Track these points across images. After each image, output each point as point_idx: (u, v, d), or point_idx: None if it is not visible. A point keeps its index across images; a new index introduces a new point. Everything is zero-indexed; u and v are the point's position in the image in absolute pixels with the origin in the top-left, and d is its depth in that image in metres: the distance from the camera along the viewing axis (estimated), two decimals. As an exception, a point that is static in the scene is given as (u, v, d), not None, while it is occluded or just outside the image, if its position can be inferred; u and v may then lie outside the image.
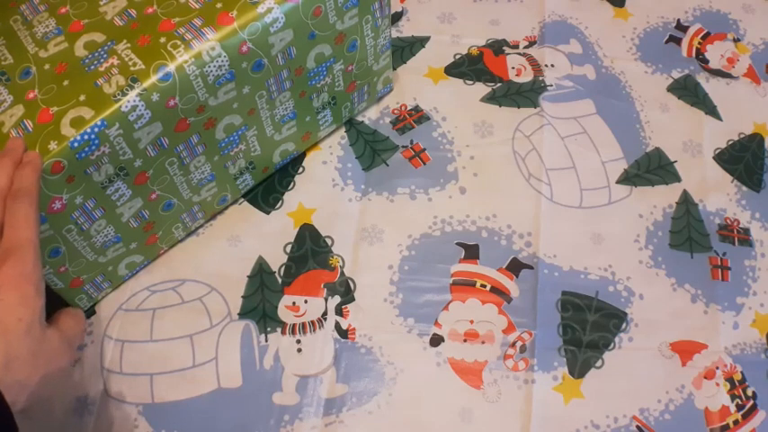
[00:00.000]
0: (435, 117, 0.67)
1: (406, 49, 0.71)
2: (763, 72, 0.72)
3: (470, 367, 0.56)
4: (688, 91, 0.70)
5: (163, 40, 0.47)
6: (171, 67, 0.46)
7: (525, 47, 0.72)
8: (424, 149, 0.66)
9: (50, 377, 0.43)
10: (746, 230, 0.63)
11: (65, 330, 0.45)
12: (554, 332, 0.58)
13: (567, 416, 0.55)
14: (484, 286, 0.59)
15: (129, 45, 0.47)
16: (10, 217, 0.42)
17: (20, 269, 0.41)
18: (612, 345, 0.58)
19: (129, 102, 0.45)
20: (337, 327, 0.57)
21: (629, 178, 0.65)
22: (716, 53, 0.73)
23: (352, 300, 0.59)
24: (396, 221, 0.62)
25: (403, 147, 0.66)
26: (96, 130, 0.44)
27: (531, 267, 0.60)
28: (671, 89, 0.70)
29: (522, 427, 0.54)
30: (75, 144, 0.44)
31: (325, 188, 0.64)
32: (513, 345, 0.57)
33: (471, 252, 0.61)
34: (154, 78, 0.45)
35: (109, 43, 0.47)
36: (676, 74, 0.71)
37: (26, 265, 0.41)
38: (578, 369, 0.57)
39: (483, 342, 0.57)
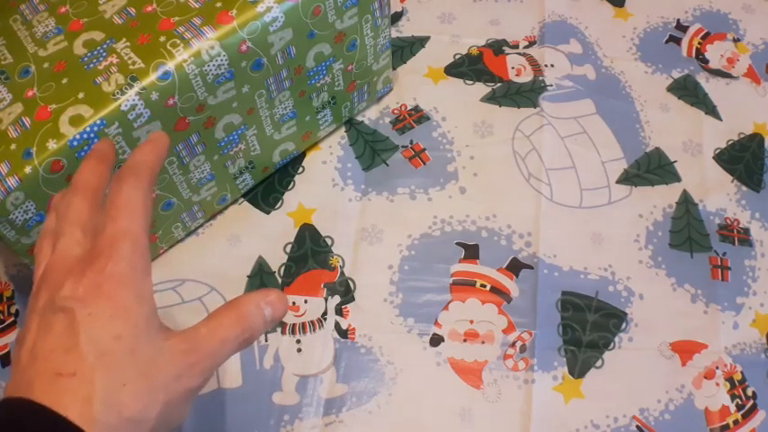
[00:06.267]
0: (435, 117, 0.67)
1: (406, 49, 0.71)
2: (763, 72, 0.72)
3: (470, 367, 0.56)
4: (688, 91, 0.70)
5: (162, 38, 0.47)
6: (170, 66, 0.46)
7: (525, 47, 0.72)
8: (424, 149, 0.65)
9: (177, 403, 0.33)
10: (746, 230, 0.63)
11: (205, 334, 0.34)
12: (554, 332, 0.58)
13: (566, 416, 0.55)
14: (484, 286, 0.59)
15: (128, 44, 0.47)
16: (108, 204, 0.35)
17: (110, 270, 0.32)
18: (612, 345, 0.57)
19: (128, 100, 0.45)
20: (337, 327, 0.57)
21: (629, 178, 0.65)
22: (716, 53, 0.73)
23: (352, 300, 0.59)
24: (396, 221, 0.62)
25: (403, 147, 0.66)
26: (96, 128, 0.44)
27: (531, 267, 0.60)
28: (671, 89, 0.70)
29: (521, 427, 0.54)
30: (75, 143, 0.44)
31: (325, 188, 0.63)
32: (513, 345, 0.57)
33: (471, 252, 0.61)
34: (153, 77, 0.45)
35: (108, 41, 0.47)
36: (676, 74, 0.71)
37: (118, 263, 0.32)
38: (578, 369, 0.56)
39: (483, 342, 0.57)
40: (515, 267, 0.60)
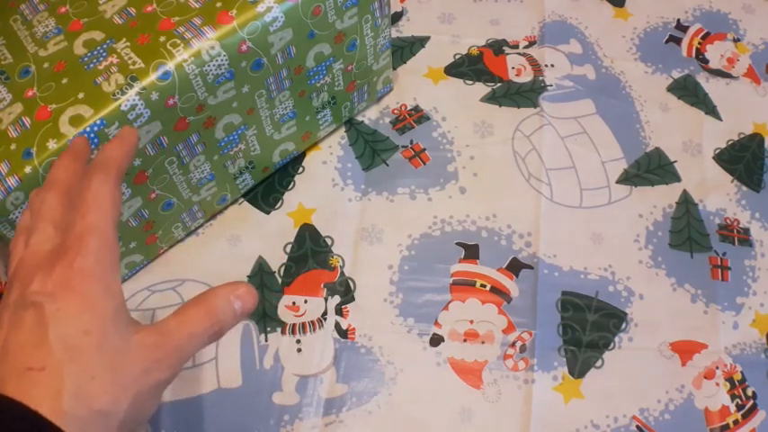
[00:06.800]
0: (435, 117, 0.67)
1: (406, 49, 0.71)
2: (763, 72, 0.72)
3: (470, 367, 0.56)
4: (688, 91, 0.70)
5: (162, 38, 0.47)
6: (170, 66, 0.46)
7: (525, 47, 0.72)
8: (424, 149, 0.65)
9: (146, 396, 0.33)
10: (746, 230, 0.63)
11: (173, 328, 0.35)
12: (554, 332, 0.58)
13: (566, 416, 0.55)
14: (484, 286, 0.59)
15: (128, 44, 0.47)
16: (78, 200, 0.35)
17: (78, 265, 0.32)
18: (612, 345, 0.57)
19: (128, 101, 0.45)
20: (337, 327, 0.57)
21: (628, 178, 0.65)
22: (716, 53, 0.73)
23: (352, 300, 0.59)
24: (396, 221, 0.62)
25: (403, 147, 0.66)
26: (96, 128, 0.44)
27: (531, 267, 0.60)
28: (671, 89, 0.70)
29: (521, 427, 0.54)
30: (75, 143, 0.44)
31: (325, 188, 0.63)
32: (513, 345, 0.57)
33: (471, 252, 0.61)
34: (153, 77, 0.45)
35: (108, 41, 0.47)
36: (676, 74, 0.71)
37: (86, 258, 0.33)
38: (578, 369, 0.56)
39: (483, 342, 0.57)
40: (515, 267, 0.60)
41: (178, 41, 0.46)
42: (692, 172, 0.66)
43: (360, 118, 0.67)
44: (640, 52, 0.72)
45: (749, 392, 0.56)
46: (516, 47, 0.72)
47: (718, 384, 0.56)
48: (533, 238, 0.61)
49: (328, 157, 0.65)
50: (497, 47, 0.72)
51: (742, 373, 0.57)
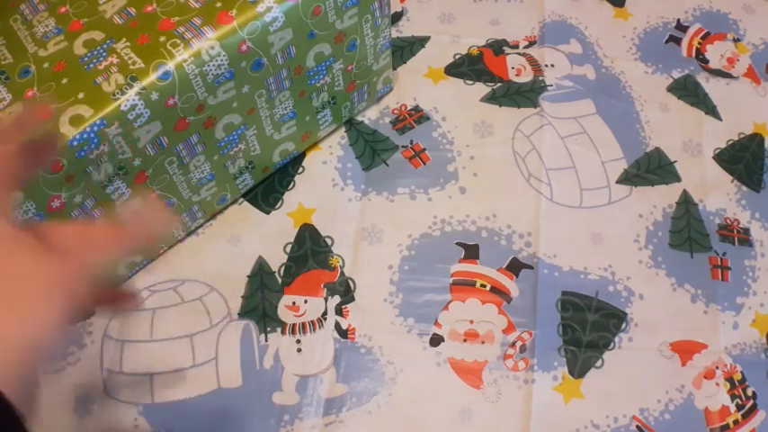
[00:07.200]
0: (435, 117, 0.67)
1: (406, 49, 0.71)
2: (763, 72, 0.72)
3: (470, 367, 0.56)
4: (688, 91, 0.70)
5: (162, 38, 0.47)
6: (170, 66, 0.46)
7: (525, 47, 0.72)
8: (424, 149, 0.65)
9: (32, 332, 0.27)
10: (746, 230, 0.63)
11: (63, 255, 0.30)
12: (554, 332, 0.58)
13: (566, 416, 0.55)
14: (484, 286, 0.59)
15: (128, 44, 0.47)
16: None
17: None
18: (612, 345, 0.57)
19: (128, 100, 0.45)
20: (337, 326, 0.57)
21: (628, 178, 0.65)
22: (716, 53, 0.73)
23: (352, 300, 0.59)
24: (396, 221, 0.62)
25: (403, 147, 0.66)
26: (96, 128, 0.44)
27: (530, 267, 0.60)
28: (671, 89, 0.70)
29: (521, 427, 0.54)
30: (75, 143, 0.44)
31: (325, 188, 0.63)
32: (513, 345, 0.57)
33: (471, 252, 0.61)
34: (153, 77, 0.45)
35: (108, 41, 0.47)
36: (676, 74, 0.71)
37: None
38: (578, 369, 0.56)
39: (483, 342, 0.57)
40: (515, 267, 0.60)
41: (178, 41, 0.46)
42: (692, 172, 0.66)
43: (360, 118, 0.67)
44: (640, 52, 0.72)
45: (749, 392, 0.56)
46: (516, 47, 0.72)
47: (718, 384, 0.56)
48: (533, 238, 0.61)
49: (328, 157, 0.65)
50: (497, 47, 0.72)
51: (742, 373, 0.57)
